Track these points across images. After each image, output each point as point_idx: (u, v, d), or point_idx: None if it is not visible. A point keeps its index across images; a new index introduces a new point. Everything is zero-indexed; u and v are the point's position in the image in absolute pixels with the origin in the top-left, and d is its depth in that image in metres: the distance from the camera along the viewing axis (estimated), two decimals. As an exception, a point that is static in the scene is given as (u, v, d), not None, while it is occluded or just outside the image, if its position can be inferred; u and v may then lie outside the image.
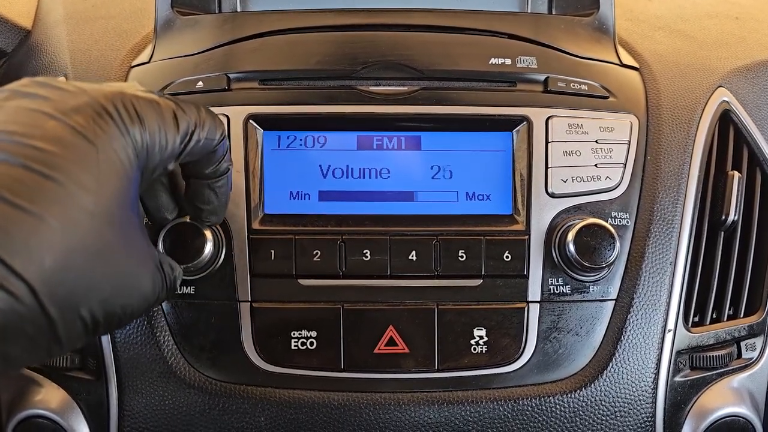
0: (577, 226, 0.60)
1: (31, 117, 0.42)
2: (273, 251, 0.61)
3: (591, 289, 0.62)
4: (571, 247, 0.60)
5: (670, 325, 0.63)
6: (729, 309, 0.67)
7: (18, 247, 0.38)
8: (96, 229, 0.42)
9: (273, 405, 0.60)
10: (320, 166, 0.63)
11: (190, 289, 0.61)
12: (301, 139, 0.64)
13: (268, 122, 0.63)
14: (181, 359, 0.61)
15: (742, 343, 0.67)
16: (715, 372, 0.65)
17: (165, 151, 0.49)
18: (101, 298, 0.43)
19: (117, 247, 0.44)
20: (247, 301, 0.61)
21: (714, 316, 0.66)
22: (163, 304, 0.62)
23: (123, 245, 0.45)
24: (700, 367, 0.64)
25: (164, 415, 0.61)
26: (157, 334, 0.61)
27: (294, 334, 0.60)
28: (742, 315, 0.67)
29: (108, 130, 0.44)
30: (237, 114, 0.63)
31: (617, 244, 0.60)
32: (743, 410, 0.64)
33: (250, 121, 0.63)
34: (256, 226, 0.62)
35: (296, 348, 0.60)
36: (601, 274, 0.62)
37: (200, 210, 0.58)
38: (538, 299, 0.62)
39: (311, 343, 0.60)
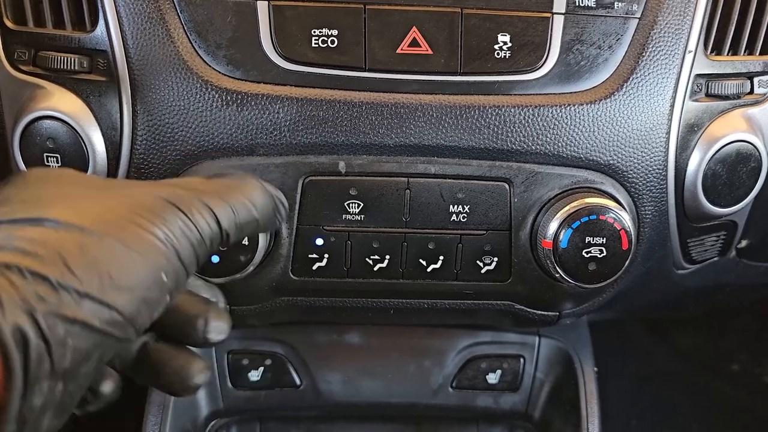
0: (608, -67, 0.58)
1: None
2: (291, -52, 0.58)
3: (616, 5, 0.61)
4: (600, -43, 0.58)
5: (691, 46, 0.63)
6: (745, 50, 0.67)
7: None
8: None
9: (293, 102, 0.59)
10: None
11: None
12: None
13: None
14: (196, 57, 0.59)
15: (755, 79, 0.67)
16: (728, 102, 0.66)
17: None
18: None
19: None
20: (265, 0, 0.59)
21: (731, 53, 0.66)
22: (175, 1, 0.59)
23: None
24: (715, 94, 0.65)
25: (179, 114, 0.59)
26: (171, 31, 0.59)
27: (314, 32, 0.59)
28: (758, 53, 0.67)
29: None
30: None
31: None
32: (752, 137, 0.65)
33: None
34: None
35: (317, 46, 0.59)
36: (627, -10, 0.61)
37: None
38: (563, 11, 0.60)
39: (332, 42, 0.59)
